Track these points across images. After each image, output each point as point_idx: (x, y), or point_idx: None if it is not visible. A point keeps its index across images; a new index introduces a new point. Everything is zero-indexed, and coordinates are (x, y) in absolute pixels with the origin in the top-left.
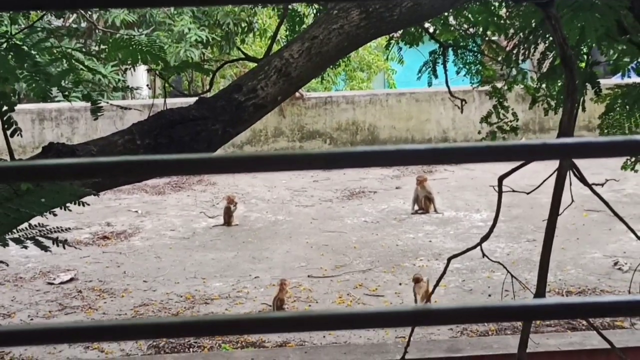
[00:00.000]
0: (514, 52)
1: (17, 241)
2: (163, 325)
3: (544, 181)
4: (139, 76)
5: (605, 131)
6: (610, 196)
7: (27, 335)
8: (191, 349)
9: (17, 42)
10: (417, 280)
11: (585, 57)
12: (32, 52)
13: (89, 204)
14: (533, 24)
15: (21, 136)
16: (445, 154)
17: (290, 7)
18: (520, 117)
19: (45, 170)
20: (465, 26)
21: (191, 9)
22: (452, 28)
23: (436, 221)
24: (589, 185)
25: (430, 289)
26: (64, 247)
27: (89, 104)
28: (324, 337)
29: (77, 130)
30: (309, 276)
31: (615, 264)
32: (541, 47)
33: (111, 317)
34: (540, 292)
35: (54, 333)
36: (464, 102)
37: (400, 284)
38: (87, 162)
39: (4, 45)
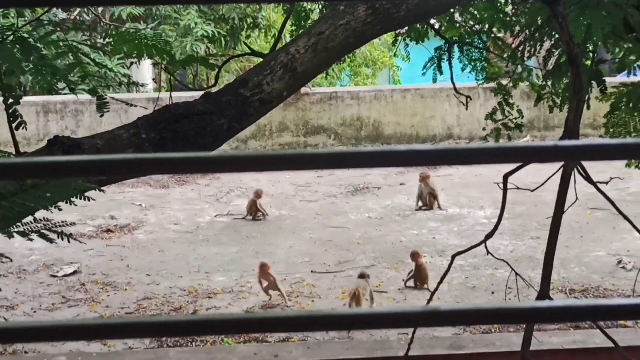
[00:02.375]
0: (520, 49)
1: (22, 234)
2: (167, 324)
3: (549, 179)
4: (145, 70)
5: (611, 130)
6: (615, 195)
7: (32, 332)
8: (194, 344)
9: (24, 35)
10: (415, 257)
11: (591, 55)
12: (39, 45)
13: (94, 199)
14: (539, 22)
15: (26, 129)
16: (452, 155)
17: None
18: (526, 114)
19: (53, 168)
20: (471, 23)
21: None
22: (458, 25)
23: (440, 218)
24: (594, 184)
25: (427, 274)
26: (69, 241)
27: (94, 97)
28: (327, 332)
29: (82, 123)
30: (312, 272)
31: (619, 262)
32: (547, 44)
33: (114, 311)
34: (544, 290)
35: (58, 331)
36: (469, 99)
37: (403, 280)
38: (95, 160)
39: (10, 38)
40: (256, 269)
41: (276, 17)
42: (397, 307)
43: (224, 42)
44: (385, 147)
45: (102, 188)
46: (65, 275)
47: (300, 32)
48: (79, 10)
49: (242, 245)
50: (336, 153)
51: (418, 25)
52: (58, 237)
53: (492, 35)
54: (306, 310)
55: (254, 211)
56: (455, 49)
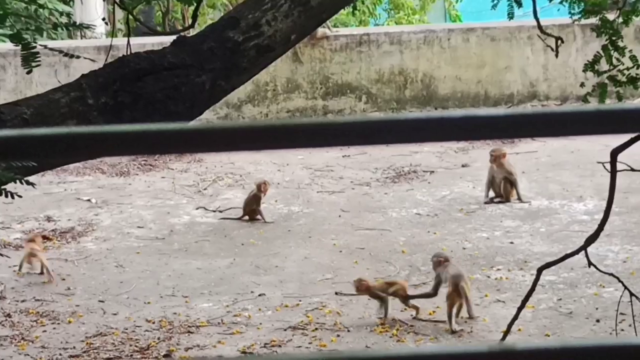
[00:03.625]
0: None
1: None
2: None
3: None
4: (92, 6)
5: None
6: None
7: None
8: None
9: None
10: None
11: None
12: None
13: (20, 196)
14: None
15: None
16: (537, 123)
17: None
18: None
19: None
20: None
21: None
22: None
23: (520, 214)
24: None
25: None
26: None
27: (18, 45)
28: None
29: (3, 84)
30: (337, 293)
31: None
32: None
33: (53, 353)
34: None
35: None
36: (560, 42)
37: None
38: (19, 137)
39: None
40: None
41: None
42: (453, 346)
43: None
44: (440, 112)
45: (31, 179)
46: None
47: None
48: None
49: (235, 257)
50: (369, 122)
51: None
52: None
53: None
54: (327, 351)
55: (252, 211)
56: None
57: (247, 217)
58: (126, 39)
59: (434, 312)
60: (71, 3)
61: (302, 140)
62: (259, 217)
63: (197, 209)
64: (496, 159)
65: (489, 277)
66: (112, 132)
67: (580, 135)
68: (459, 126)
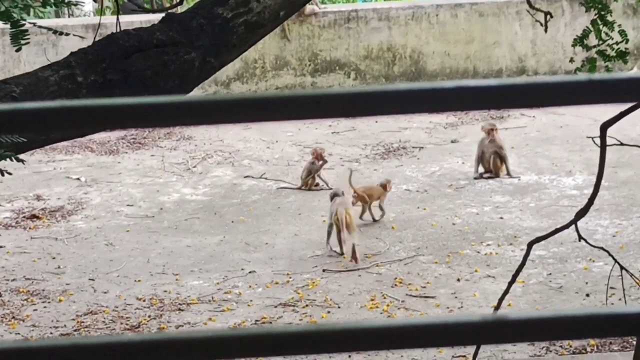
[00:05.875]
0: None
1: None
2: (120, 346)
3: None
4: None
5: None
6: None
7: None
8: None
9: None
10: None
11: None
12: None
13: (10, 173)
14: None
15: None
16: (524, 93)
17: None
18: (631, 36)
19: None
20: None
21: None
22: None
23: (510, 189)
24: None
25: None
26: None
27: (7, 25)
28: (350, 357)
29: None
30: (324, 270)
31: None
32: None
33: (44, 331)
34: None
35: None
36: (549, 17)
37: (458, 279)
38: (8, 111)
39: None
40: None
41: None
42: (445, 316)
43: None
44: (426, 83)
45: (21, 156)
46: None
47: None
48: None
49: (225, 234)
50: (356, 93)
51: None
52: None
53: None
54: (318, 324)
55: (309, 181)
56: None
57: (304, 187)
58: (114, 17)
59: (421, 288)
60: None
61: (289, 112)
62: (314, 187)
63: (245, 177)
64: (489, 132)
65: (478, 252)
66: (101, 105)
67: (567, 105)
68: (446, 96)
